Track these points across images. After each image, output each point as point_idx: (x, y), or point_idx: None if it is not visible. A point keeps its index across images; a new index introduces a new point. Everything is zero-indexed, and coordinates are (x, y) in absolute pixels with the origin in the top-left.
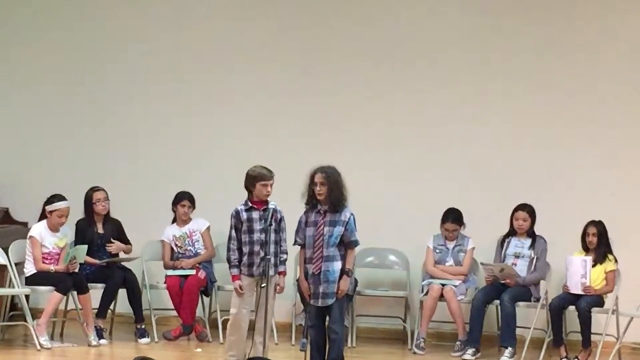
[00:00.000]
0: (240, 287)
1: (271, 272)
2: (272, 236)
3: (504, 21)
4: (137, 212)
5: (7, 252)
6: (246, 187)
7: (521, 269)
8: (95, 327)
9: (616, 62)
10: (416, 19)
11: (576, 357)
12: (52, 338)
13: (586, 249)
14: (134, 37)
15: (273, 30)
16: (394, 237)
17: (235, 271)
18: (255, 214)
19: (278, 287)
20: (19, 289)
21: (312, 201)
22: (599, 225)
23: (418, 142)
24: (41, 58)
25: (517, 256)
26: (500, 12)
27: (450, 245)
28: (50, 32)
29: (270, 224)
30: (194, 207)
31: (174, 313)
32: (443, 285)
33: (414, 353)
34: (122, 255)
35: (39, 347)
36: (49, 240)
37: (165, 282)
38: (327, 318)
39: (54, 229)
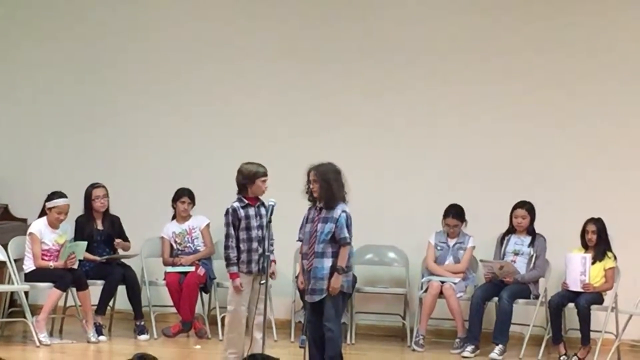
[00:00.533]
0: (240, 285)
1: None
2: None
3: (504, 19)
4: (136, 209)
5: (7, 248)
6: (242, 184)
7: (520, 266)
8: (95, 323)
9: (618, 61)
10: (416, 18)
11: (575, 354)
12: (51, 334)
13: (585, 246)
14: (134, 35)
15: (273, 30)
16: (394, 234)
17: (234, 269)
18: (251, 211)
19: (273, 275)
20: (18, 286)
21: (310, 198)
22: (599, 223)
23: (417, 139)
24: (41, 56)
25: (516, 254)
26: (501, 10)
27: (451, 242)
28: (51, 30)
29: (270, 221)
30: (193, 204)
31: (173, 310)
32: (442, 282)
33: (413, 350)
34: (121, 252)
35: (38, 343)
36: (48, 237)
37: (164, 279)
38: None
39: (53, 225)
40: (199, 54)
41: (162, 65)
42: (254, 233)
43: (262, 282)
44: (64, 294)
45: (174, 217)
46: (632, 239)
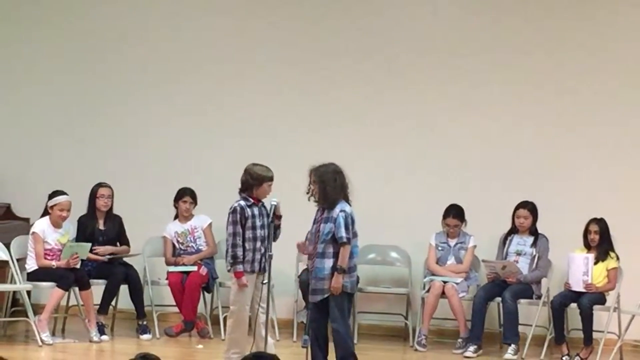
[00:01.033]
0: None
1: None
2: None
3: (505, 19)
4: (138, 209)
5: (9, 247)
6: (249, 185)
7: (523, 266)
8: (97, 323)
9: (620, 61)
10: (417, 18)
11: (578, 354)
12: (53, 334)
13: (588, 246)
14: (135, 34)
15: (273, 28)
16: (396, 234)
17: (240, 267)
18: (256, 210)
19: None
20: (21, 285)
21: (313, 198)
22: (601, 223)
23: (420, 139)
24: (42, 55)
25: (519, 254)
26: (502, 9)
27: (452, 242)
28: (51, 29)
29: (272, 220)
30: (195, 203)
31: (176, 309)
32: (445, 282)
33: (416, 350)
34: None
35: (40, 343)
36: (51, 237)
37: (166, 279)
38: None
39: (56, 225)
40: (200, 54)
41: (164, 66)
42: (259, 232)
43: (264, 281)
44: (67, 293)
45: (176, 217)
46: (634, 239)
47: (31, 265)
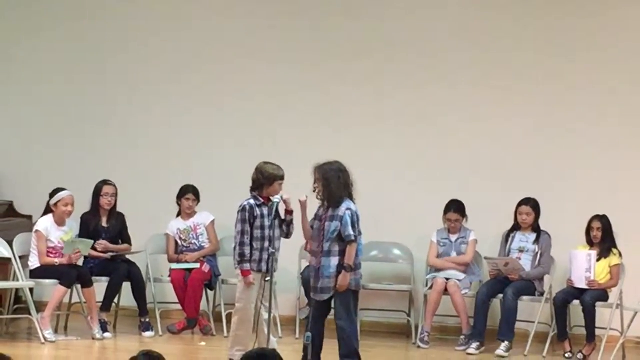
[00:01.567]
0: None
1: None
2: (277, 232)
3: (506, 15)
4: (141, 206)
5: (12, 245)
6: (260, 184)
7: (525, 263)
8: (100, 320)
9: (622, 59)
10: (419, 15)
11: (580, 351)
12: (56, 331)
13: (591, 243)
14: (137, 33)
15: (274, 28)
16: (398, 231)
17: (248, 266)
18: (265, 210)
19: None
20: (24, 282)
21: (318, 197)
22: (604, 220)
23: (422, 137)
24: (44, 52)
25: (521, 251)
26: (503, 6)
27: (453, 238)
28: (53, 26)
29: (275, 218)
30: (198, 201)
31: (178, 306)
32: (447, 279)
33: (418, 347)
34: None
35: (43, 340)
36: (54, 235)
37: (169, 276)
38: (334, 314)
39: (60, 222)
40: (200, 52)
41: (166, 64)
42: (267, 232)
43: (267, 279)
44: (69, 290)
45: (178, 214)
46: (637, 235)
47: (34, 262)
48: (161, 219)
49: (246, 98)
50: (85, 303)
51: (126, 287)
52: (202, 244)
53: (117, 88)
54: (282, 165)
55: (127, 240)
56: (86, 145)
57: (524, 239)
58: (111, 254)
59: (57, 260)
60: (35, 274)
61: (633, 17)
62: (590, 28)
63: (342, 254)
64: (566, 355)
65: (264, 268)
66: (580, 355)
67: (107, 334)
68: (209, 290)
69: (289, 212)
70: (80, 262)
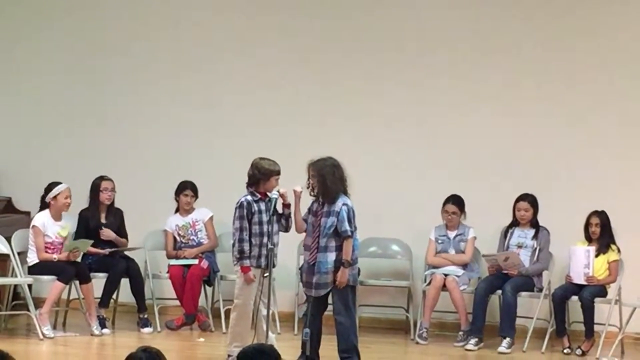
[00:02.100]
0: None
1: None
2: (275, 227)
3: (505, 10)
4: (139, 202)
5: (10, 241)
6: (256, 179)
7: (524, 259)
8: (98, 316)
9: (621, 53)
10: (419, 11)
11: (579, 347)
12: (54, 327)
13: (589, 239)
14: (136, 30)
15: (273, 24)
16: (397, 227)
17: (247, 262)
18: (262, 205)
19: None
20: (22, 279)
21: (312, 193)
22: (602, 216)
23: (421, 132)
24: (43, 48)
25: (520, 246)
26: (502, 3)
27: (452, 234)
28: (52, 24)
29: (274, 213)
30: (196, 197)
31: (177, 303)
32: (446, 275)
33: (417, 343)
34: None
35: (41, 336)
36: (51, 230)
37: (167, 272)
38: (333, 310)
39: (57, 217)
40: (201, 49)
41: (165, 61)
42: (265, 228)
43: (266, 275)
44: (67, 286)
45: (177, 210)
46: (636, 231)
47: (32, 258)
48: (159, 215)
49: (244, 95)
50: (84, 299)
51: (124, 283)
52: (201, 240)
53: (115, 85)
54: (281, 161)
55: (124, 236)
56: (84, 142)
57: (523, 235)
58: (109, 249)
59: (55, 256)
60: (33, 270)
61: (633, 14)
62: (591, 25)
63: (338, 249)
64: (565, 351)
65: (263, 264)
66: (578, 351)
67: (105, 330)
68: (207, 286)
69: (286, 205)
70: (78, 259)
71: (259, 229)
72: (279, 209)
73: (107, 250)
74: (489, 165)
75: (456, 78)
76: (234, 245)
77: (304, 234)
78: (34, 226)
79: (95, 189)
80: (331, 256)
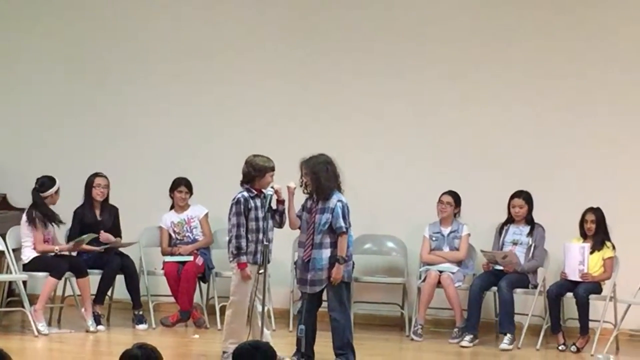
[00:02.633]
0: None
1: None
2: (270, 223)
3: (504, 7)
4: (135, 198)
5: (5, 238)
6: (251, 176)
7: (519, 256)
8: (93, 313)
9: (618, 49)
10: (416, 8)
11: (574, 343)
12: (49, 324)
13: (584, 235)
14: (133, 25)
15: (271, 20)
16: (392, 224)
17: (244, 259)
18: (258, 202)
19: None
20: (16, 275)
21: (305, 191)
22: (597, 212)
23: (416, 129)
24: (37, 44)
25: (515, 243)
26: None
27: (446, 231)
28: (49, 19)
29: (268, 210)
30: (191, 193)
31: (172, 299)
32: (441, 272)
33: (412, 340)
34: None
35: (36, 333)
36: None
37: (162, 269)
38: (327, 306)
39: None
40: (198, 45)
41: (161, 57)
42: (261, 224)
43: (261, 271)
44: (60, 282)
45: (172, 207)
46: (631, 228)
47: (27, 255)
48: (155, 211)
49: (242, 91)
50: (79, 295)
51: (119, 279)
52: (196, 237)
53: (112, 82)
54: (277, 157)
55: (118, 233)
56: (80, 139)
57: (518, 232)
58: (104, 246)
59: (57, 248)
60: (28, 266)
61: (631, 11)
62: (588, 21)
63: (333, 246)
64: (560, 347)
65: (259, 260)
66: (573, 348)
67: (100, 327)
68: (202, 283)
69: (281, 201)
70: (74, 253)
71: (255, 226)
72: (274, 205)
73: (102, 248)
74: (484, 162)
75: (451, 75)
76: (229, 241)
77: (299, 230)
78: (34, 218)
79: (89, 185)
80: (326, 253)
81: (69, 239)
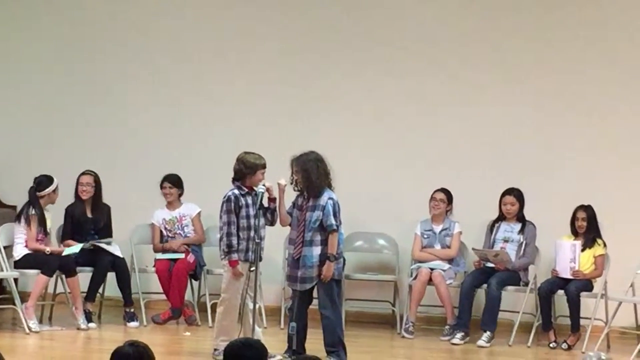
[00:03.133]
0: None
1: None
2: (262, 220)
3: (496, 6)
4: (126, 196)
5: None
6: (243, 174)
7: (510, 253)
8: (84, 310)
9: (608, 46)
10: (408, 8)
11: (565, 341)
12: (40, 322)
13: (575, 233)
14: (123, 24)
15: (262, 18)
16: (383, 221)
17: (235, 256)
18: (249, 199)
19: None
20: (7, 272)
21: (296, 188)
22: (588, 210)
23: (407, 125)
24: (31, 43)
25: (506, 241)
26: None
27: (437, 229)
28: (41, 17)
29: (260, 207)
30: (178, 189)
31: (163, 297)
32: (432, 269)
33: (403, 337)
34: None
35: (27, 330)
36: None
37: (154, 266)
38: (318, 304)
39: (45, 209)
40: (188, 42)
41: (152, 55)
42: (252, 221)
43: (252, 269)
44: (51, 279)
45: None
46: (621, 225)
47: (19, 252)
48: (146, 209)
49: (233, 88)
50: (70, 293)
51: (111, 277)
52: (188, 235)
53: (103, 80)
54: (268, 154)
55: (110, 232)
56: (71, 136)
57: (509, 229)
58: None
59: (48, 249)
60: (19, 264)
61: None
62: (579, 16)
63: (324, 243)
64: (551, 345)
65: (251, 257)
66: (564, 345)
67: (91, 324)
68: (193, 281)
69: (272, 199)
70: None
71: (247, 223)
72: (265, 203)
73: (83, 245)
74: (475, 160)
75: (443, 75)
76: (221, 239)
77: (289, 227)
78: (30, 215)
79: (77, 183)
80: (316, 250)
81: (62, 236)
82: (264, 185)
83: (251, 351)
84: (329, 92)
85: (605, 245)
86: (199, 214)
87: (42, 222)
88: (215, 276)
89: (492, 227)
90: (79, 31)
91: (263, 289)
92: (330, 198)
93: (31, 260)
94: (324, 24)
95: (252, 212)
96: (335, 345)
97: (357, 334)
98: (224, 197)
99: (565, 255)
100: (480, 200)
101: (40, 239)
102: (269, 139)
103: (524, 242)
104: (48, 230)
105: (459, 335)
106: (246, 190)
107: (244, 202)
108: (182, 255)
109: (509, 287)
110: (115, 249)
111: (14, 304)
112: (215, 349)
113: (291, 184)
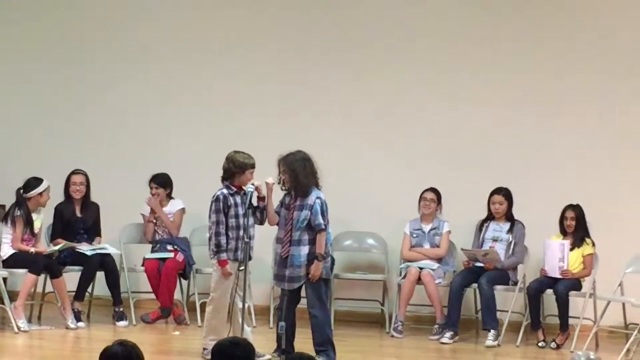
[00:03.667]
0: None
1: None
2: (251, 220)
3: (486, 5)
4: (115, 195)
5: None
6: (231, 173)
7: (499, 253)
8: (73, 309)
9: (596, 47)
10: (393, 6)
11: (554, 340)
12: (29, 321)
13: (564, 232)
14: (112, 24)
15: (251, 16)
16: (372, 220)
17: (224, 256)
18: (238, 199)
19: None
20: None
21: (283, 188)
22: (577, 209)
23: (396, 125)
24: (21, 42)
25: (495, 240)
26: None
27: (427, 228)
28: (31, 15)
29: (250, 206)
30: (165, 189)
31: (152, 296)
32: (421, 268)
33: (392, 336)
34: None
35: (16, 329)
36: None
37: (143, 265)
38: (307, 303)
39: (34, 210)
40: (178, 42)
41: (142, 53)
42: (241, 221)
43: (241, 268)
44: (41, 279)
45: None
46: (610, 225)
47: (5, 251)
48: (135, 208)
49: (221, 87)
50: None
51: (100, 276)
52: (171, 231)
53: (91, 78)
54: (257, 153)
55: (98, 230)
56: (60, 135)
57: (498, 229)
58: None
59: (32, 250)
60: (7, 263)
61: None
62: (567, 17)
63: (311, 242)
64: (539, 344)
65: (240, 257)
66: (553, 344)
67: (80, 324)
68: (182, 280)
69: (261, 198)
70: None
71: (235, 222)
72: (254, 202)
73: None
74: (464, 159)
75: (431, 72)
76: (210, 238)
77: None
78: (17, 216)
79: (67, 183)
80: (304, 249)
81: (52, 235)
82: (252, 184)
83: (239, 350)
84: (317, 92)
85: (593, 244)
86: (182, 209)
87: (28, 223)
88: (204, 275)
89: (480, 226)
90: (68, 35)
91: (252, 288)
92: (318, 197)
93: (19, 260)
94: (323, 24)
95: (241, 211)
96: (324, 344)
97: (347, 333)
98: (213, 197)
99: (554, 255)
100: (469, 200)
101: (27, 240)
102: (255, 138)
103: (513, 241)
104: (35, 231)
105: (448, 334)
106: (235, 189)
107: (232, 201)
108: (171, 255)
109: (498, 287)
110: (109, 249)
111: (2, 303)
112: (204, 348)
113: (278, 183)
